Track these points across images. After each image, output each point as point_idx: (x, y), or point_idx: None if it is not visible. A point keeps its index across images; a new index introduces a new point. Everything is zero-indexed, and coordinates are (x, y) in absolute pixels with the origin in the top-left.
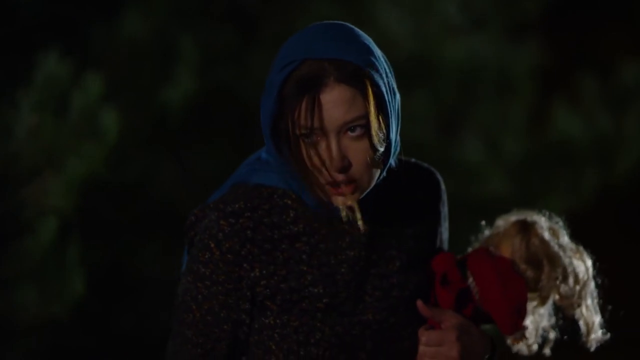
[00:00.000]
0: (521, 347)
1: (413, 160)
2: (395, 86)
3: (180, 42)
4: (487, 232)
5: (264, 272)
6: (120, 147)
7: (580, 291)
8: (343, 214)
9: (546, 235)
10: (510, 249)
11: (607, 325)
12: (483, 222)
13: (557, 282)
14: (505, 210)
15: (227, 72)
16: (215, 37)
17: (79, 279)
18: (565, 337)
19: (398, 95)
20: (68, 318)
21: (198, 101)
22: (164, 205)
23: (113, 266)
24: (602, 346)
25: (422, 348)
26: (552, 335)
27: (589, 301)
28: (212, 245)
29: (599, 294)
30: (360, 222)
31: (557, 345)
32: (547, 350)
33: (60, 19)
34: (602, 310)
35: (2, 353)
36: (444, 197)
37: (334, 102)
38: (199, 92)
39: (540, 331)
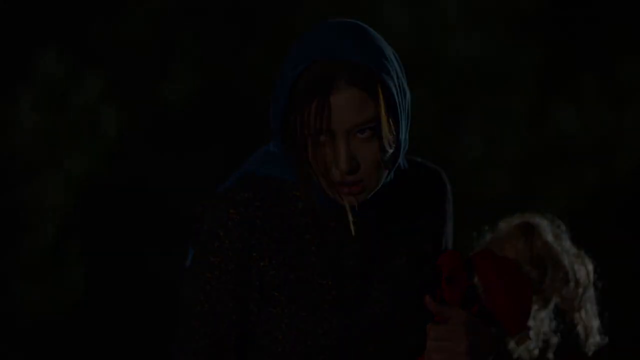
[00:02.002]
0: (522, 353)
1: (419, 159)
2: (406, 86)
3: (180, 40)
4: (489, 235)
5: (273, 261)
6: (120, 145)
7: (581, 295)
8: (349, 216)
9: (549, 237)
10: (514, 251)
11: (606, 327)
12: (486, 227)
13: (560, 284)
14: (505, 207)
15: (227, 70)
16: (215, 36)
17: (79, 278)
18: (565, 340)
19: (409, 95)
20: (68, 318)
21: (198, 100)
22: (163, 204)
23: (113, 266)
24: (602, 346)
25: (430, 342)
26: (553, 339)
27: (588, 305)
28: (222, 233)
29: (599, 296)
30: (351, 226)
31: (558, 346)
32: (550, 355)
33: (60, 18)
34: (601, 315)
35: (2, 353)
36: (450, 196)
37: (345, 105)
38: (199, 90)
39: (541, 336)
